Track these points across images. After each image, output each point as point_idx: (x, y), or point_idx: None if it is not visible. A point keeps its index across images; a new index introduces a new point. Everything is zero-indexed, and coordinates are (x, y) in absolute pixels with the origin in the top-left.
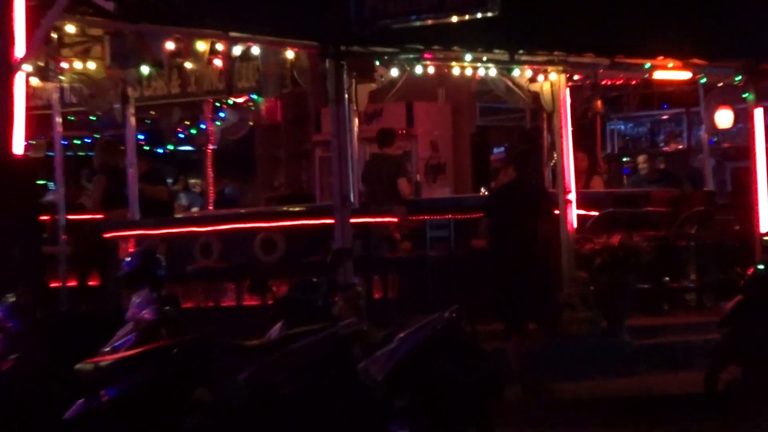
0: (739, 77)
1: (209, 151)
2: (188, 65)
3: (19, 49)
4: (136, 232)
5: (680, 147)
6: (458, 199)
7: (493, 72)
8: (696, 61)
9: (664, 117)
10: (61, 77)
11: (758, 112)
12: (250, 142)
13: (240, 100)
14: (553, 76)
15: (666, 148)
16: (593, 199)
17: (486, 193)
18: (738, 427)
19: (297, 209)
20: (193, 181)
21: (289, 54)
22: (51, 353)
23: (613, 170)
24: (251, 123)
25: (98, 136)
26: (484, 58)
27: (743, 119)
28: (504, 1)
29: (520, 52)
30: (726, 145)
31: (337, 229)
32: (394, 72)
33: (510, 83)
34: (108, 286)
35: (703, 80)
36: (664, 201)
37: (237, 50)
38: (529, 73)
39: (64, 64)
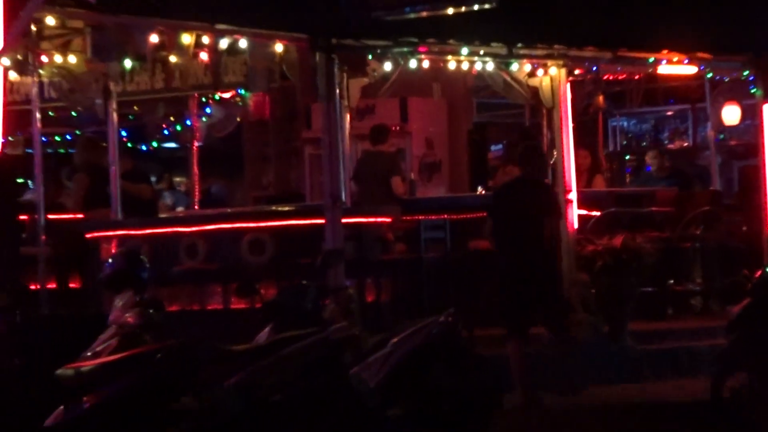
0: (747, 72)
1: (195, 148)
2: (173, 59)
3: None
4: (118, 232)
5: (685, 144)
6: (454, 198)
7: (490, 66)
8: (702, 54)
9: (669, 113)
10: (41, 71)
11: (767, 108)
12: (237, 139)
13: (227, 95)
14: (553, 70)
15: (671, 146)
16: (595, 198)
17: (483, 192)
18: None
19: (286, 209)
20: (178, 179)
21: (278, 47)
22: (30, 358)
23: (616, 169)
24: (238, 119)
25: (79, 132)
26: (482, 52)
27: (751, 115)
28: None
29: (519, 45)
30: (733, 142)
31: (327, 229)
32: (388, 66)
33: (508, 78)
34: (89, 289)
35: (710, 75)
36: (668, 200)
37: (224, 43)
38: (528, 67)
39: (43, 58)
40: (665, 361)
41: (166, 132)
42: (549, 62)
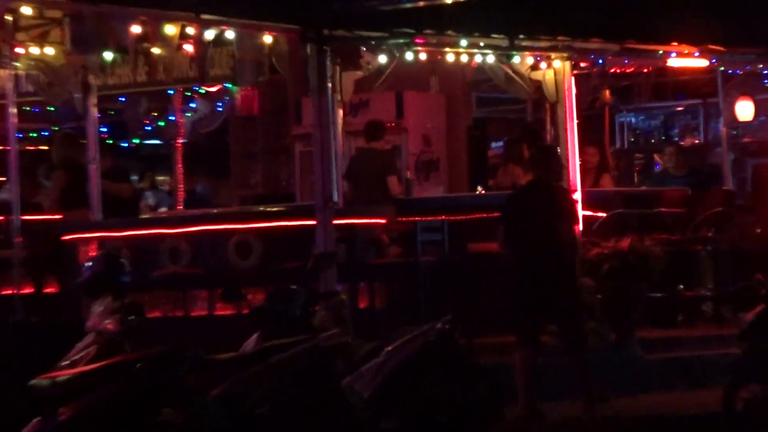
0: (762, 65)
1: (179, 145)
2: (156, 51)
3: None
4: (97, 234)
5: (696, 141)
6: (453, 198)
7: (491, 59)
8: (714, 47)
9: (679, 109)
10: (16, 64)
11: None
12: (223, 135)
13: (213, 89)
14: (557, 63)
15: (681, 143)
16: (601, 198)
17: (483, 191)
18: None
19: (275, 209)
20: (160, 178)
21: (267, 39)
22: (3, 367)
23: (623, 167)
24: (225, 114)
25: (57, 128)
26: (482, 44)
27: (765, 111)
28: None
29: (521, 36)
30: (747, 139)
31: (318, 231)
32: (383, 59)
33: (510, 71)
34: (66, 294)
35: (722, 68)
36: (678, 201)
37: (210, 34)
38: (530, 60)
39: (19, 50)
40: (675, 370)
41: (148, 128)
42: (553, 55)
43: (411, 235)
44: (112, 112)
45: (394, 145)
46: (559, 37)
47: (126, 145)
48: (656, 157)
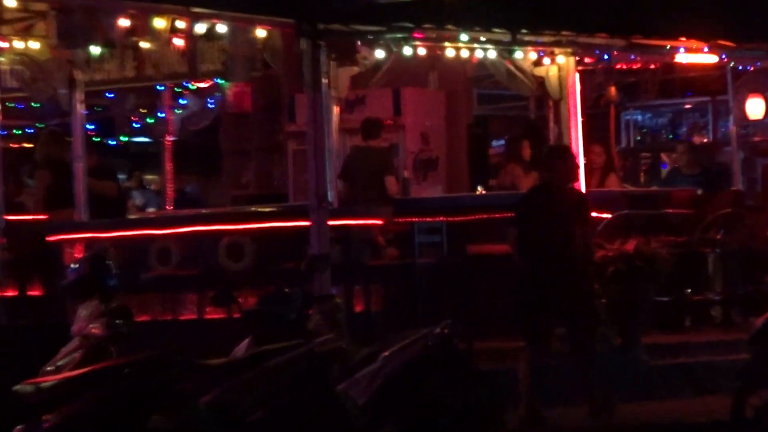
0: None
1: (168, 143)
2: (145, 45)
3: None
4: (83, 235)
5: (705, 140)
6: (452, 198)
7: (492, 54)
8: (724, 42)
9: (687, 106)
10: (0, 58)
11: None
12: (214, 133)
13: (204, 85)
14: (561, 59)
15: (691, 141)
16: (606, 199)
17: (483, 192)
18: None
19: (267, 210)
20: (149, 177)
21: (260, 32)
22: None
23: (629, 166)
24: (216, 111)
25: (41, 125)
26: (483, 39)
27: None
28: None
29: (524, 31)
30: (757, 138)
31: (313, 232)
32: (380, 54)
33: (512, 67)
34: (51, 297)
35: (732, 64)
36: (686, 202)
37: (200, 28)
38: (533, 55)
39: (3, 44)
40: (682, 376)
41: (136, 125)
42: (556, 50)
43: (408, 236)
44: (99, 109)
45: (391, 144)
46: (563, 32)
47: (113, 142)
48: (663, 156)
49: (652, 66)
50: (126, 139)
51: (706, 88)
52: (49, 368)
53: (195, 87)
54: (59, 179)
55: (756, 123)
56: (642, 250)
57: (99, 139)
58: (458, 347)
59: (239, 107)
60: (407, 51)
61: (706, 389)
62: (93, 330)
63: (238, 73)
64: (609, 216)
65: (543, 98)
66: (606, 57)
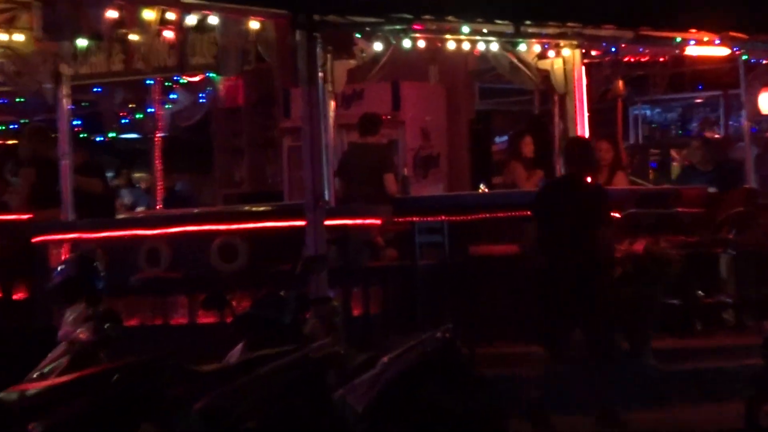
0: None
1: (157, 139)
2: (133, 38)
3: None
4: (70, 235)
5: (716, 136)
6: (454, 197)
7: (495, 47)
8: (736, 34)
9: (698, 101)
10: None
11: None
12: (205, 128)
13: (194, 79)
14: (567, 51)
15: (704, 136)
16: (613, 197)
17: (486, 190)
18: None
19: (261, 209)
20: (138, 175)
21: (253, 24)
22: None
23: (637, 163)
24: (207, 106)
25: (26, 121)
26: (485, 30)
27: None
28: None
29: (528, 23)
30: None
31: (308, 232)
32: (378, 46)
33: (515, 60)
34: (37, 300)
35: (744, 57)
36: (697, 200)
37: (191, 20)
38: (537, 48)
39: None
40: (692, 383)
41: (124, 121)
42: (561, 42)
43: (408, 236)
44: (86, 104)
45: (390, 140)
46: (569, 23)
47: (100, 139)
48: (673, 152)
49: (662, 59)
50: (114, 135)
51: (717, 81)
52: (34, 374)
53: (185, 81)
54: (44, 177)
55: None
56: (651, 250)
57: (86, 136)
58: (460, 352)
59: (231, 102)
60: (406, 43)
61: (718, 396)
62: (80, 335)
63: (231, 67)
64: (617, 215)
65: (548, 92)
66: (613, 49)
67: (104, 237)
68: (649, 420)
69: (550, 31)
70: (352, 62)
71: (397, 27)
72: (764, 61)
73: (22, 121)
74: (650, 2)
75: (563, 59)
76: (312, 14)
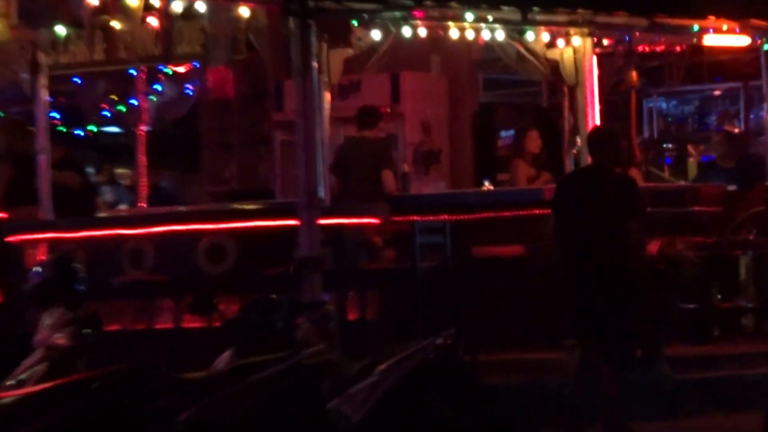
0: None
1: (141, 133)
2: (116, 25)
3: None
4: (48, 235)
5: (736, 130)
6: (456, 195)
7: (500, 35)
8: (756, 21)
9: (716, 93)
10: None
11: None
12: (193, 122)
13: (181, 69)
14: (577, 40)
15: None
16: None
17: (491, 187)
18: None
19: (251, 208)
20: (120, 171)
21: (244, 11)
22: None
23: (652, 159)
24: (195, 99)
25: (1, 114)
26: (490, 18)
27: None
28: None
29: (536, 9)
30: None
31: (302, 232)
32: (376, 34)
33: (522, 49)
34: (12, 304)
35: (766, 47)
36: (715, 198)
37: (177, 6)
38: (546, 36)
39: None
40: (709, 392)
41: (106, 114)
42: (572, 30)
43: (408, 237)
44: (65, 96)
45: (388, 134)
46: (579, 10)
47: (81, 133)
48: (690, 148)
49: (678, 48)
50: (95, 129)
51: (737, 72)
52: (9, 383)
53: (171, 71)
54: (21, 173)
55: None
56: (666, 252)
57: (65, 129)
58: (462, 360)
59: (220, 94)
60: (406, 31)
61: (737, 406)
62: (58, 340)
63: (219, 56)
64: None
65: (557, 84)
66: (627, 38)
67: (84, 237)
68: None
69: (560, 18)
70: (349, 51)
71: (397, 14)
72: None
73: None
74: None
75: (573, 48)
76: (306, 0)
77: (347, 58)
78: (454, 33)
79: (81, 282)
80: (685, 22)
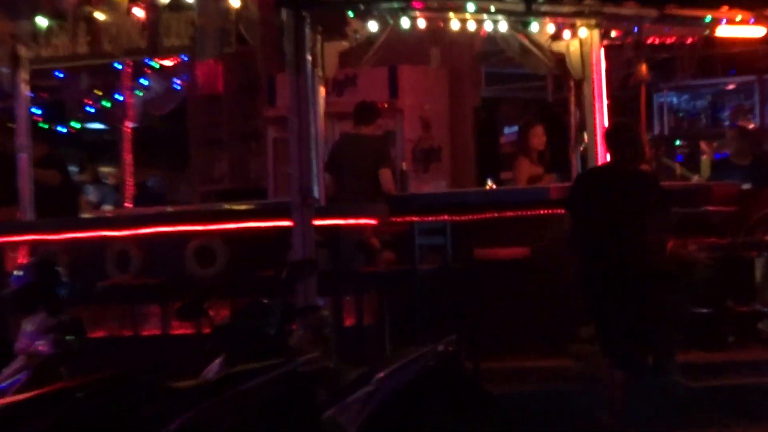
0: None
1: (127, 130)
2: (100, 17)
3: None
4: (29, 236)
5: (751, 126)
6: (457, 194)
7: (503, 27)
8: None
9: (730, 87)
10: None
11: None
12: (181, 118)
13: (168, 63)
14: (584, 32)
15: (740, 125)
16: None
17: (494, 186)
18: None
19: (243, 208)
20: (105, 169)
21: (234, 2)
22: None
23: (663, 156)
24: (183, 94)
25: None
26: (493, 8)
27: None
28: None
29: (540, 0)
30: None
31: (296, 234)
32: (373, 26)
33: (526, 42)
34: None
35: None
36: (729, 197)
37: None
38: (551, 28)
39: None
40: (723, 401)
41: (90, 109)
42: (578, 22)
43: (407, 238)
44: (47, 91)
45: (386, 131)
46: (586, 1)
47: (63, 129)
48: (702, 145)
49: (690, 40)
50: (78, 125)
51: (751, 65)
52: None
53: (158, 65)
54: (0, 172)
55: None
56: (677, 254)
57: (47, 126)
58: (464, 367)
59: (210, 89)
60: (405, 23)
61: (751, 416)
62: (40, 347)
63: (209, 49)
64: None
65: (562, 78)
66: (636, 30)
67: (67, 239)
68: None
69: (566, 9)
70: (345, 44)
71: (395, 5)
72: None
73: None
74: None
75: (580, 41)
76: None
77: (343, 51)
78: (454, 24)
79: (64, 286)
80: (697, 12)
